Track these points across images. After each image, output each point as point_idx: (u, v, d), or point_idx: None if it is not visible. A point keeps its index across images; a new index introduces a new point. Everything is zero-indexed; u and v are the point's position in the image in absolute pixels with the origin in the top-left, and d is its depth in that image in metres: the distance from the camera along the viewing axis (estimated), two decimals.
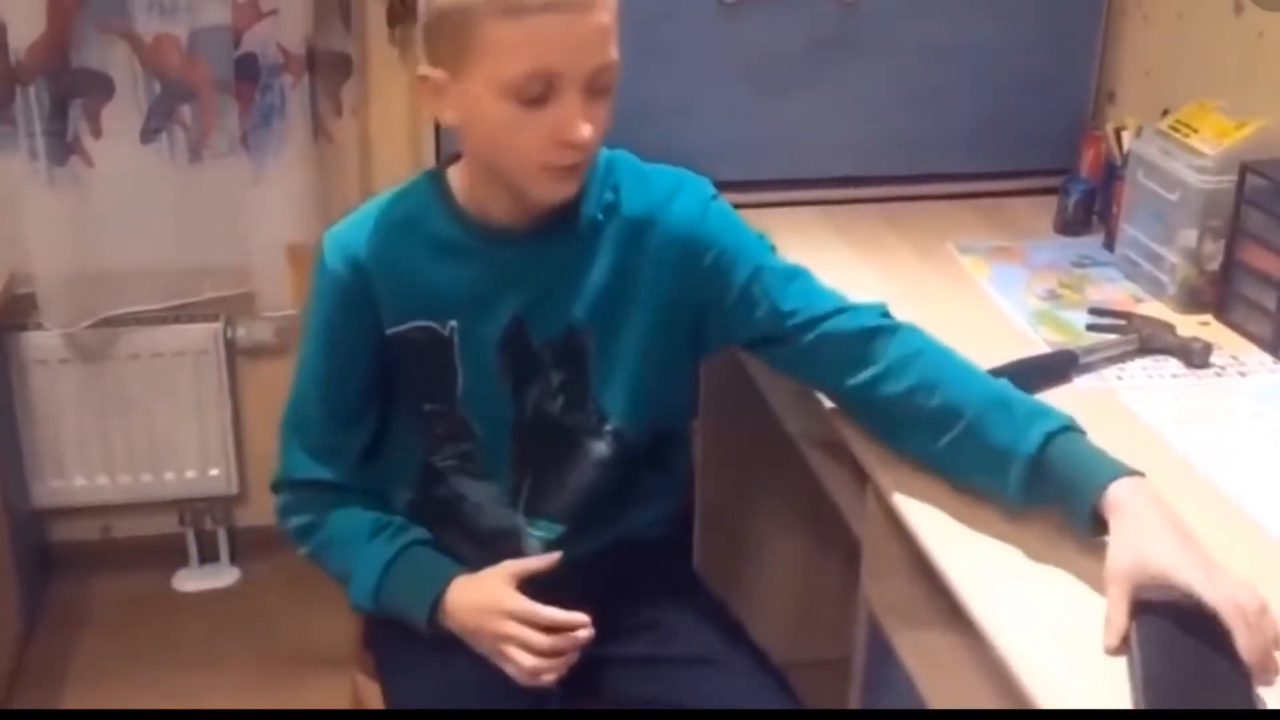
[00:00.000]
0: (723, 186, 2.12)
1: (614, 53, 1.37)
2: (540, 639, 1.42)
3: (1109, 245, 2.00)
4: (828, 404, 1.55)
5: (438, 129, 2.00)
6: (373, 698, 1.62)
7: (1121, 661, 1.13)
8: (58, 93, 2.26)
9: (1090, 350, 1.67)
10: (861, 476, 1.51)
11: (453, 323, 1.49)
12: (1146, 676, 1.09)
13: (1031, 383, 1.58)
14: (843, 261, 1.97)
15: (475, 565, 1.52)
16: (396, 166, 2.42)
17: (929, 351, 1.45)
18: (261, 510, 2.68)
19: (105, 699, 2.35)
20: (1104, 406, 1.59)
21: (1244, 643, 1.11)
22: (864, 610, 1.58)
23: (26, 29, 2.20)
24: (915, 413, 1.42)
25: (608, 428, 1.54)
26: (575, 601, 1.44)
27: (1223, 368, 1.68)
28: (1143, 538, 1.20)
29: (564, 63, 1.33)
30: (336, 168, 2.44)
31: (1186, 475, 1.45)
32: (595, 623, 1.43)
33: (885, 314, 1.50)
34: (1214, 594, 1.13)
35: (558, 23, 1.32)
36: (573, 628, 1.42)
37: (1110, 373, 1.66)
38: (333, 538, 1.57)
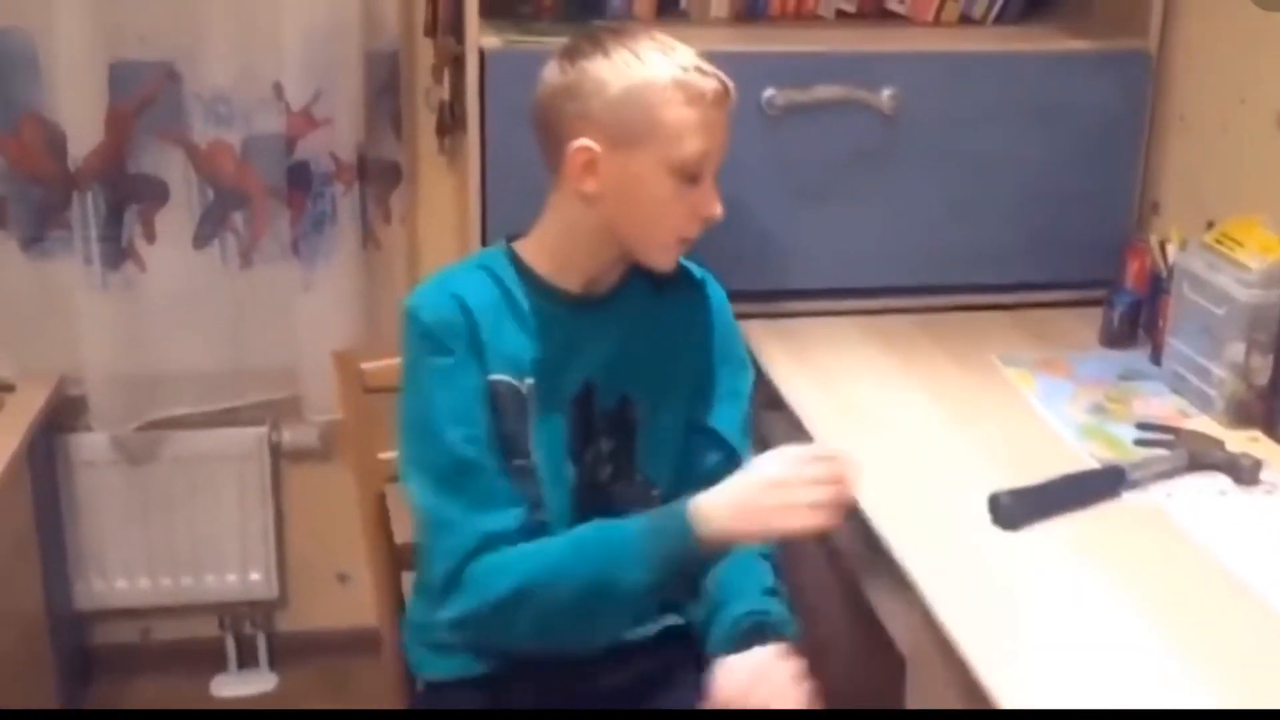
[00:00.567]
0: (764, 295, 2.14)
1: None
2: (819, 468, 1.44)
3: (1155, 359, 1.99)
4: (874, 521, 1.54)
5: (484, 235, 2.02)
6: None
7: None
8: (114, 199, 2.31)
9: (1139, 466, 1.65)
10: (905, 589, 1.49)
11: (529, 381, 1.56)
12: None
13: (1080, 499, 1.57)
14: (885, 373, 1.96)
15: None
16: None
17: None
18: (301, 616, 2.69)
19: None
20: (1153, 524, 1.57)
21: None
22: None
23: (86, 137, 2.25)
24: None
25: (655, 493, 1.62)
26: (614, 694, 1.48)
27: (1273, 484, 1.65)
28: None
29: (717, 149, 1.56)
30: (384, 274, 2.47)
31: (1238, 594, 1.42)
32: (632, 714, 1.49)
33: None
34: None
35: (718, 116, 1.55)
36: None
37: (1159, 490, 1.64)
38: (547, 569, 1.49)
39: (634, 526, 1.47)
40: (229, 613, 2.65)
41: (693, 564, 1.47)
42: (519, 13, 2.14)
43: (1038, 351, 2.03)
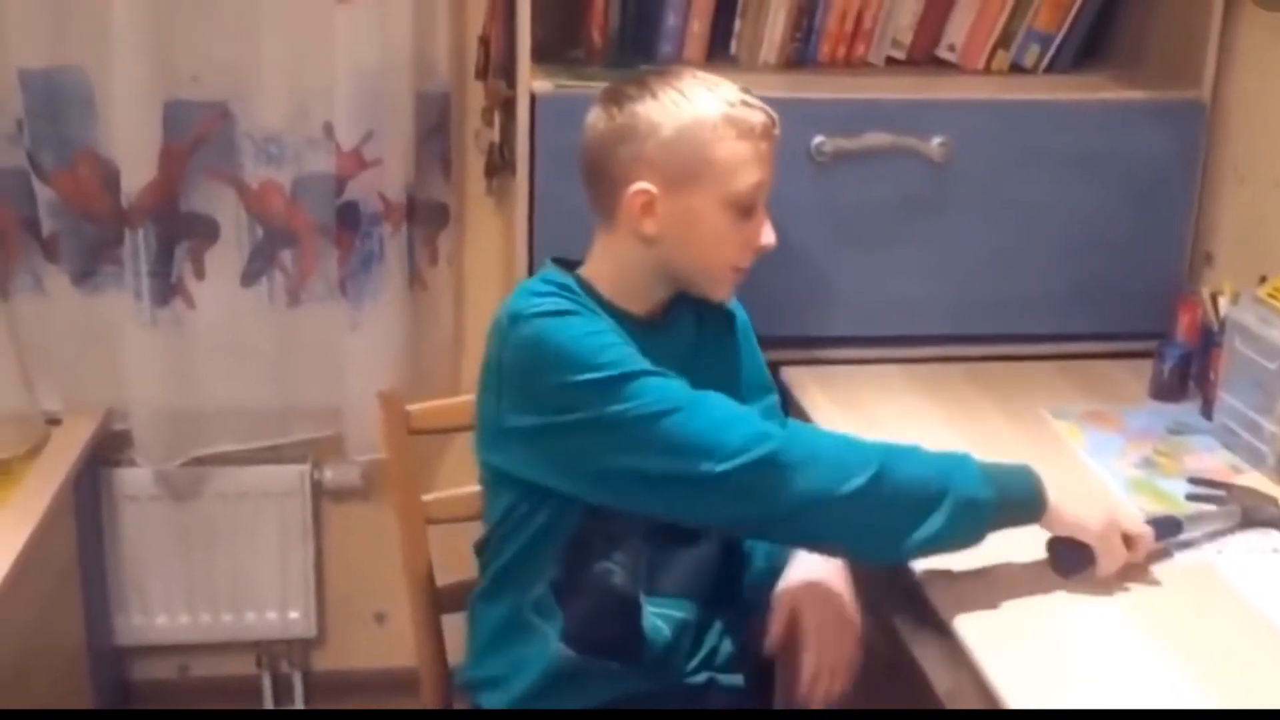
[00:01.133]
0: (810, 341, 2.13)
1: None
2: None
3: (1206, 412, 1.96)
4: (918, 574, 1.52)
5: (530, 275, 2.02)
6: None
7: None
8: (165, 235, 2.33)
9: (1193, 520, 1.63)
10: (952, 646, 1.47)
11: None
12: None
13: None
14: (930, 422, 1.94)
15: (594, 640, 1.59)
16: (488, 315, 2.44)
17: None
18: (337, 655, 2.68)
19: None
20: (1204, 583, 1.54)
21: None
22: None
23: (139, 174, 2.28)
24: None
25: None
26: None
27: None
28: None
29: (767, 181, 1.59)
30: (430, 315, 2.48)
31: None
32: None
33: None
34: None
35: (768, 147, 1.58)
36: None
37: (1210, 547, 1.61)
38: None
39: (978, 461, 1.51)
40: (266, 651, 2.65)
41: (1028, 512, 1.49)
42: (570, 57, 2.15)
43: (1086, 404, 2.01)
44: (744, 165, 1.55)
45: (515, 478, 1.59)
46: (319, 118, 2.32)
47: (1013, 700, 1.32)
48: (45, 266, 2.37)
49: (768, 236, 1.61)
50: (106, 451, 2.47)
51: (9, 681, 2.09)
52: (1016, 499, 1.50)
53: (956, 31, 2.26)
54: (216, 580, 2.57)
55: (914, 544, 1.47)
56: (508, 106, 2.17)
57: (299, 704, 2.68)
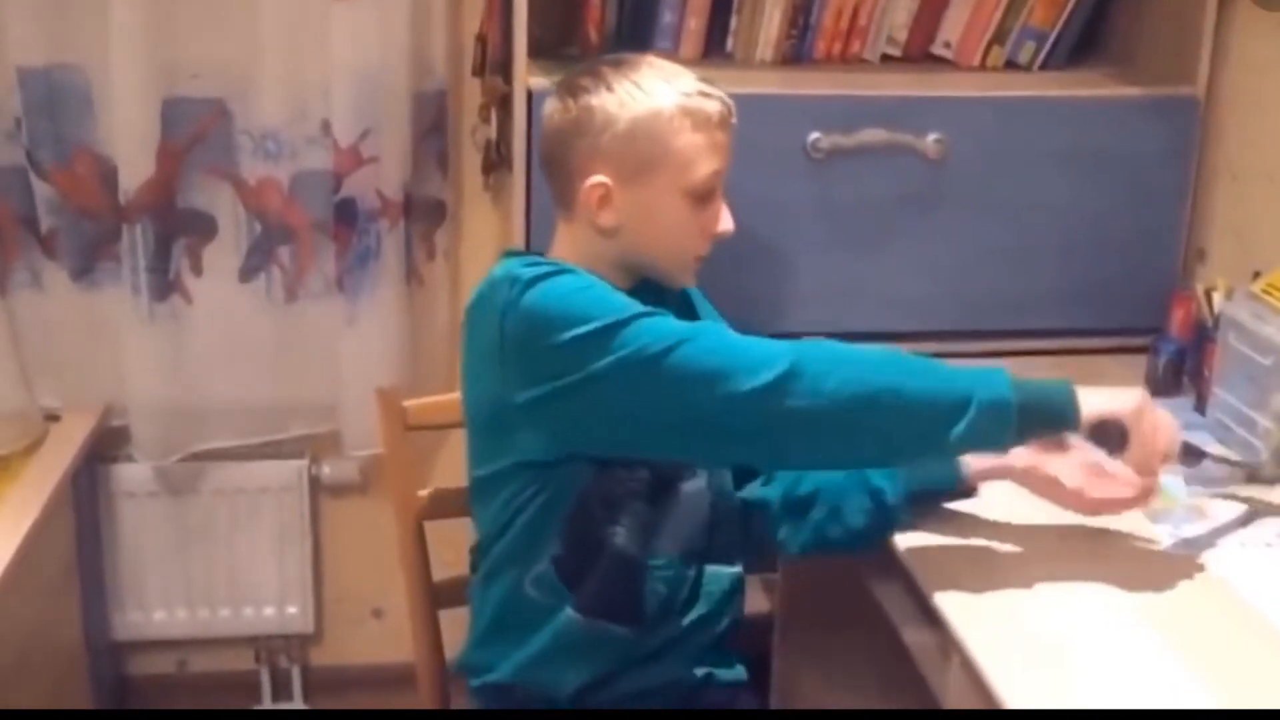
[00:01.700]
0: (805, 337, 2.13)
1: None
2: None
3: (1200, 408, 1.97)
4: (915, 571, 1.52)
5: None
6: None
7: None
8: (162, 232, 2.33)
9: (1216, 460, 1.66)
10: (945, 640, 1.48)
11: None
12: None
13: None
14: None
15: (603, 607, 1.60)
16: None
17: None
18: (336, 650, 2.69)
19: None
20: (1198, 576, 1.55)
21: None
22: None
23: (137, 171, 2.28)
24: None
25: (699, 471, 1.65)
26: None
27: None
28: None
29: (724, 168, 1.60)
30: (427, 311, 2.49)
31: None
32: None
33: None
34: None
35: (723, 136, 1.59)
36: None
37: (1203, 539, 1.62)
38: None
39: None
40: (264, 646, 2.66)
41: (1057, 412, 1.46)
42: (566, 54, 2.16)
43: None
44: (700, 155, 1.56)
45: (515, 469, 1.57)
46: (317, 115, 2.33)
47: (1009, 694, 1.32)
48: (43, 263, 2.37)
49: (725, 223, 1.62)
50: (105, 447, 2.48)
51: (7, 677, 2.10)
52: (1044, 401, 1.46)
53: (952, 28, 2.26)
54: (214, 576, 2.57)
55: (950, 443, 1.43)
56: (504, 103, 2.17)
57: (297, 699, 2.69)
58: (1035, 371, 2.08)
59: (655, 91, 1.55)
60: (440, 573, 1.86)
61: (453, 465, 2.23)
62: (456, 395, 1.69)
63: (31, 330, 2.40)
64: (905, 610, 1.68)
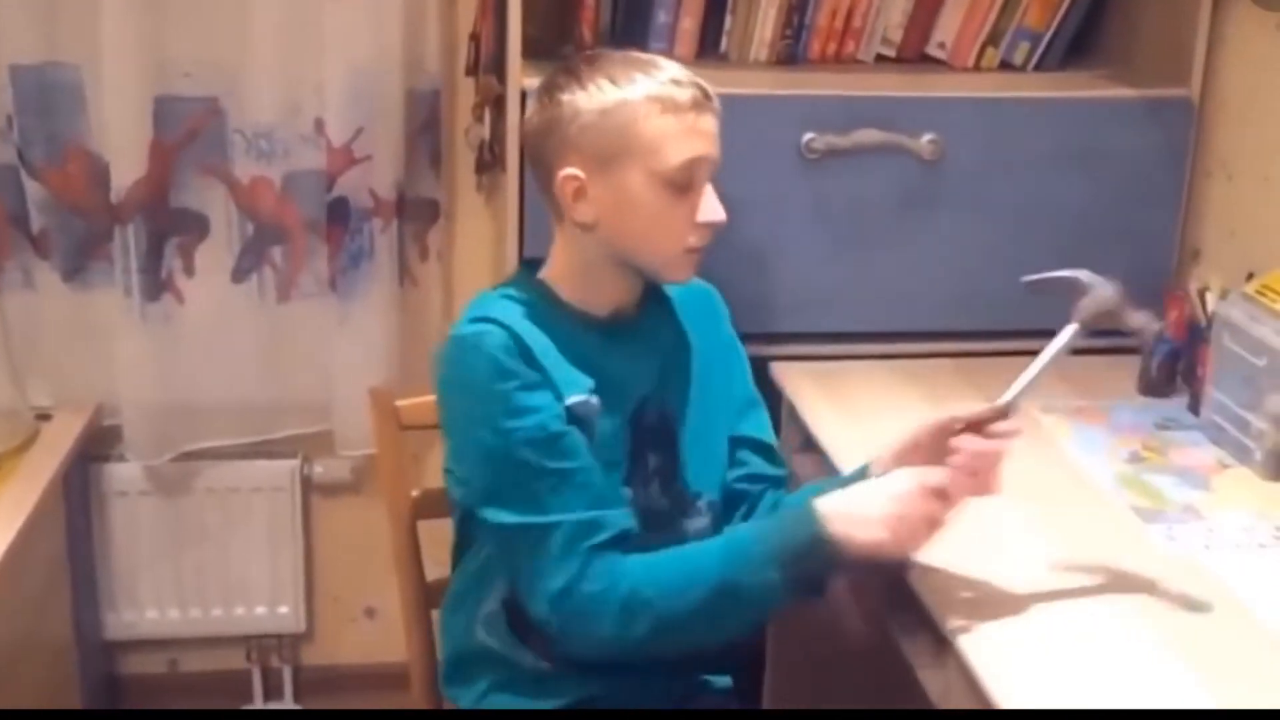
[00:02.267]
0: (799, 337, 2.13)
1: None
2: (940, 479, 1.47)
3: (1194, 408, 1.97)
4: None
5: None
6: None
7: None
8: (155, 231, 2.33)
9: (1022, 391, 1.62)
10: (939, 640, 1.48)
11: (594, 400, 1.56)
12: None
13: None
14: (919, 417, 1.94)
15: (559, 644, 1.56)
16: None
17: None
18: (328, 650, 2.68)
19: None
20: (1192, 577, 1.55)
21: None
22: None
23: (129, 170, 2.28)
24: None
25: (700, 503, 1.64)
26: None
27: None
28: None
29: (708, 152, 1.54)
30: (420, 311, 2.48)
31: (1272, 648, 1.40)
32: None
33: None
34: None
35: (702, 118, 1.54)
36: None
37: (1197, 540, 1.62)
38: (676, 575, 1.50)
39: (760, 528, 1.52)
40: (256, 645, 2.65)
41: (822, 563, 1.46)
42: (560, 53, 2.16)
43: (1074, 399, 2.02)
44: (671, 140, 1.51)
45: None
46: (310, 114, 2.32)
47: (1001, 693, 1.32)
48: (35, 262, 2.37)
49: (709, 213, 1.55)
50: (96, 447, 2.47)
51: None
52: (803, 565, 1.46)
53: (946, 29, 2.26)
54: (206, 575, 2.57)
55: (723, 637, 1.52)
56: (498, 103, 2.17)
57: (289, 699, 2.68)
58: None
59: (624, 81, 1.52)
60: (433, 572, 1.85)
61: None
62: None
63: (23, 330, 2.39)
64: (901, 618, 1.67)
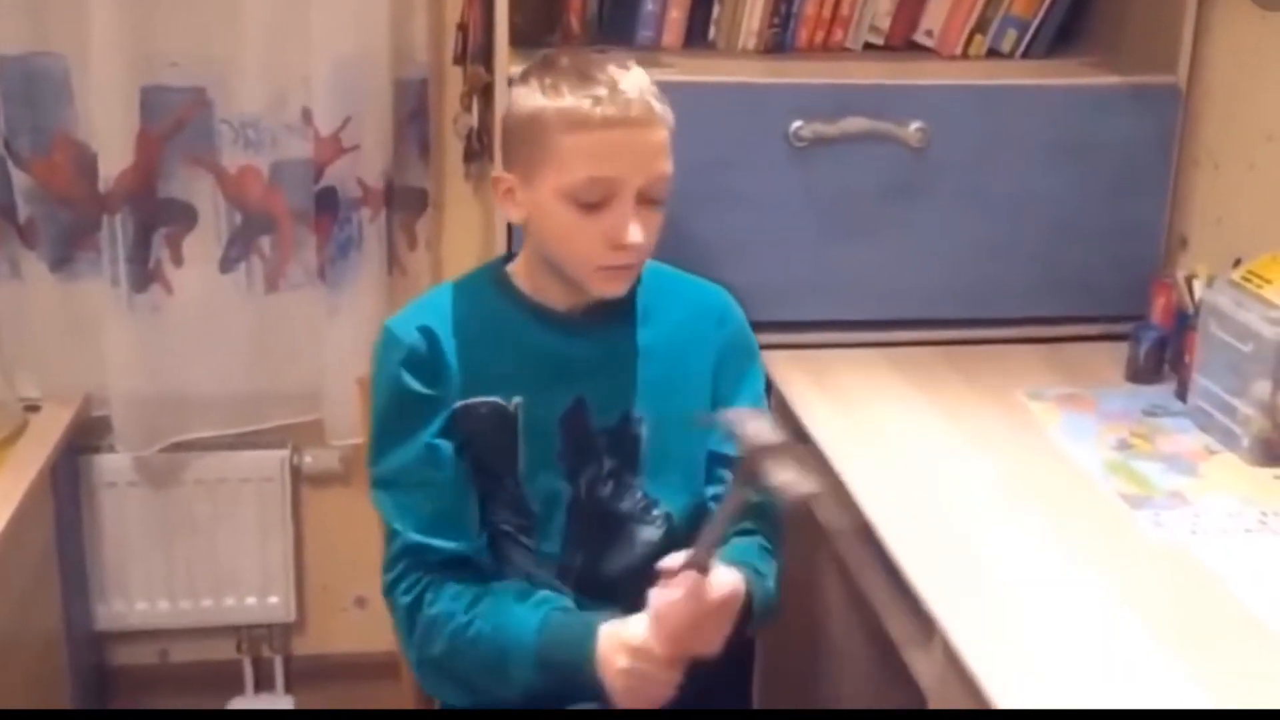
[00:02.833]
0: (788, 326, 2.14)
1: (668, 166, 1.52)
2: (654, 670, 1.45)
3: (1181, 395, 1.98)
4: (899, 560, 1.53)
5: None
6: None
7: None
8: (142, 221, 2.32)
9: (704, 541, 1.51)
10: (928, 626, 1.48)
11: (517, 399, 1.57)
12: None
13: None
14: (909, 406, 1.95)
15: None
16: None
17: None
18: (318, 639, 2.69)
19: None
20: (1180, 564, 1.55)
21: None
22: None
23: (116, 160, 2.27)
24: None
25: (656, 512, 1.62)
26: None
27: None
28: None
29: (621, 173, 1.49)
30: (408, 299, 2.46)
31: (1258, 633, 1.41)
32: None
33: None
34: None
35: (618, 137, 1.48)
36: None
37: (1184, 526, 1.63)
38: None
39: (547, 624, 1.50)
40: (247, 636, 2.65)
41: (581, 684, 1.47)
42: (547, 42, 2.15)
43: (1062, 386, 2.02)
44: (576, 158, 1.48)
45: None
46: (297, 103, 2.32)
47: (988, 678, 1.33)
48: (22, 253, 2.36)
49: (624, 234, 1.49)
50: (85, 438, 2.47)
51: None
52: (560, 677, 1.49)
53: (934, 17, 2.26)
54: (196, 565, 2.57)
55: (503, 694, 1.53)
56: (486, 92, 2.17)
57: (280, 688, 2.68)
58: (1018, 360, 2.11)
59: (551, 91, 1.49)
60: None
61: None
62: None
63: (10, 320, 2.38)
64: (891, 604, 1.68)
